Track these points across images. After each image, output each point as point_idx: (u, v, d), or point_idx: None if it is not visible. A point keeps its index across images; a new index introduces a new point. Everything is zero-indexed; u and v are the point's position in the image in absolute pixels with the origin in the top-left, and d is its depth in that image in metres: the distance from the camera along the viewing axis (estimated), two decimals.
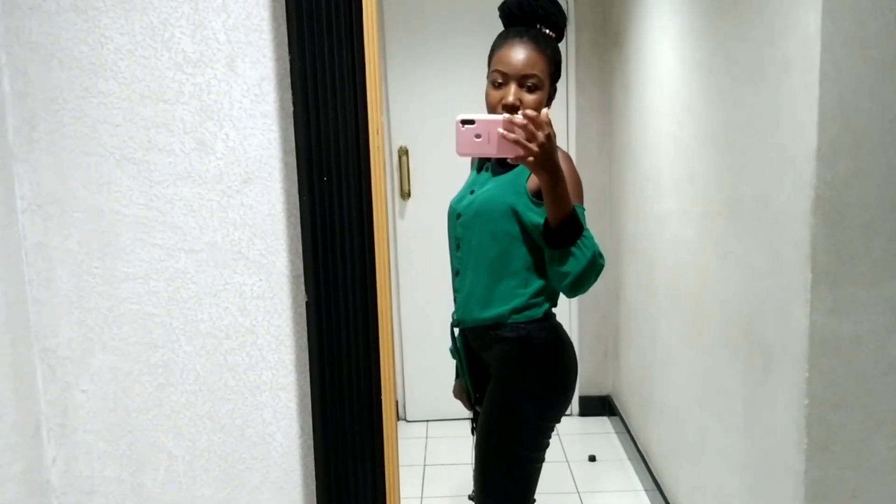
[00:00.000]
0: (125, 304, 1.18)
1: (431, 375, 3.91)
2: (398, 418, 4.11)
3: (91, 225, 1.16)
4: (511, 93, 1.83)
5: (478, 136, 1.49)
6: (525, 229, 1.88)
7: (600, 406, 4.08)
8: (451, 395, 2.30)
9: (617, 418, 3.90)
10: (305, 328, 1.14)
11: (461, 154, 1.55)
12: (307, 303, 1.11)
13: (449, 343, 2.19)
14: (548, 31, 1.90)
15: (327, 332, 1.09)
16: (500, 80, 1.85)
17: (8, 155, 1.14)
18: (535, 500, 2.04)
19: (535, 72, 1.84)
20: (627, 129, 3.51)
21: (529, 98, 1.83)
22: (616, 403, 3.96)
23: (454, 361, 2.21)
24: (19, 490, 1.16)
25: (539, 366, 1.97)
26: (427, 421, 4.06)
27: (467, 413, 2.25)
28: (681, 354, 2.77)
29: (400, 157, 3.86)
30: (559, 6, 1.93)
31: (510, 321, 1.94)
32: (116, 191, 1.15)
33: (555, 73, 1.91)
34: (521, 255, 1.92)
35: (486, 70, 1.97)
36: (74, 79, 1.14)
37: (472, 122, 1.49)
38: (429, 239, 3.79)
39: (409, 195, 3.90)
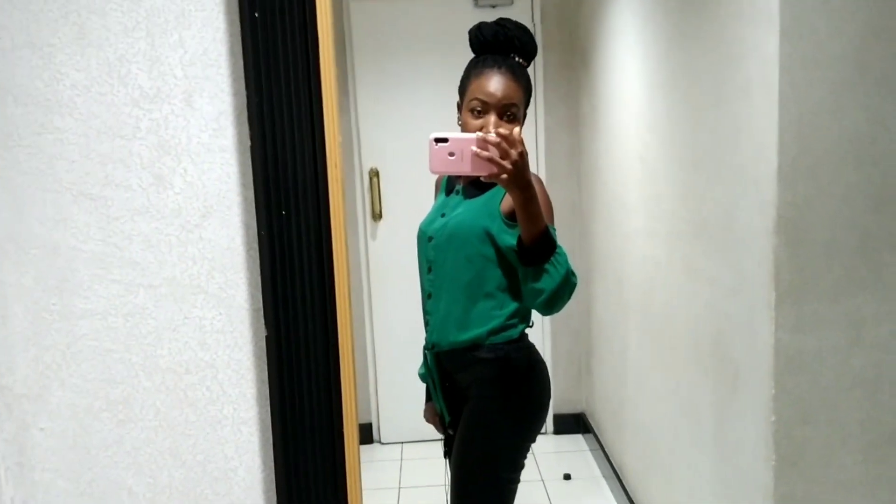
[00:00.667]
0: (83, 340, 1.16)
1: (405, 397, 3.89)
2: (372, 441, 4.09)
3: (48, 261, 1.15)
4: (491, 123, 1.84)
5: (451, 154, 1.50)
6: (499, 251, 1.89)
7: (574, 424, 4.09)
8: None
9: (591, 436, 3.90)
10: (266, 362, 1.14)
11: (434, 172, 1.56)
12: (267, 337, 1.10)
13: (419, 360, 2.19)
14: (519, 59, 1.92)
15: (287, 366, 1.09)
16: (479, 109, 1.86)
17: None
18: None
19: (514, 101, 1.86)
20: (595, 149, 3.54)
21: (510, 127, 1.84)
22: (590, 421, 3.97)
23: (427, 386, 2.21)
24: None
25: (516, 386, 1.97)
26: (402, 443, 4.04)
27: (441, 434, 2.25)
28: (652, 371, 2.79)
29: (371, 179, 3.86)
30: (531, 35, 1.95)
31: (488, 342, 1.95)
32: (73, 227, 1.14)
33: (528, 101, 1.93)
34: (495, 277, 1.93)
35: (454, 91, 1.98)
36: (30, 115, 1.13)
37: (445, 140, 1.50)
38: (401, 260, 3.79)
39: (380, 216, 3.90)
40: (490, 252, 1.91)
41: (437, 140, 1.50)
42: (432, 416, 2.25)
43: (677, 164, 2.38)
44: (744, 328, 1.91)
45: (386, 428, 4.07)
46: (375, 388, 4.04)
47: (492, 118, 1.85)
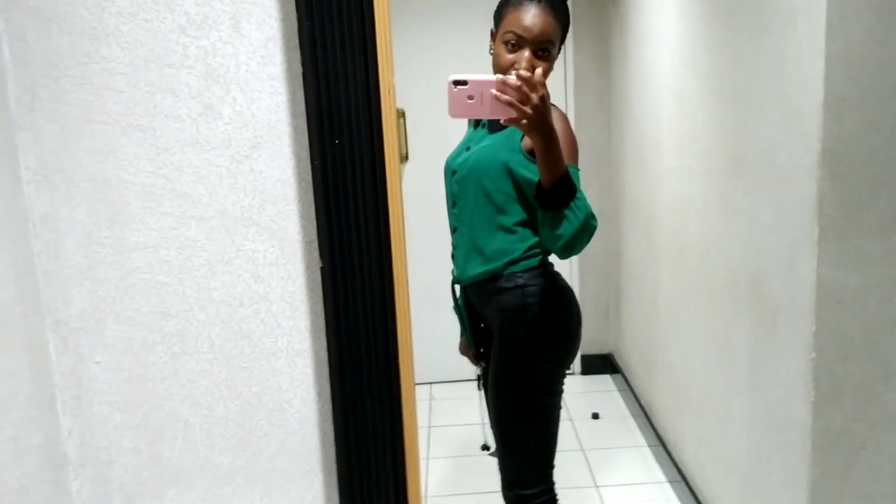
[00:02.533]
0: (136, 273, 1.16)
1: (434, 337, 3.92)
2: None
3: (98, 194, 1.14)
4: (525, 59, 1.79)
5: (470, 97, 1.46)
6: (519, 187, 1.88)
7: (602, 364, 4.11)
8: (455, 355, 2.31)
9: (619, 376, 3.92)
10: (320, 294, 1.13)
11: (453, 116, 1.52)
12: (322, 268, 1.09)
13: (450, 302, 2.19)
14: None
15: (343, 297, 1.08)
16: (514, 43, 1.82)
17: (10, 124, 1.12)
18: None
19: (550, 38, 1.81)
20: (626, 86, 3.48)
21: (541, 65, 1.80)
22: (618, 361, 3.98)
23: (458, 319, 2.21)
24: (36, 463, 1.16)
25: (538, 311, 1.96)
26: (430, 383, 4.08)
27: (471, 374, 2.26)
28: (685, 312, 2.78)
29: (397, 120, 3.82)
30: None
31: (506, 272, 1.95)
32: (123, 159, 1.13)
33: (564, 38, 1.89)
34: (515, 212, 1.91)
35: (483, 29, 1.92)
36: (75, 44, 1.11)
37: (464, 83, 1.46)
38: (428, 201, 3.77)
39: (406, 158, 3.87)
40: (509, 187, 1.89)
41: (456, 83, 1.45)
42: (465, 348, 2.27)
43: (715, 99, 2.33)
44: (784, 265, 1.89)
45: (415, 368, 4.10)
46: None
47: (525, 53, 1.80)
